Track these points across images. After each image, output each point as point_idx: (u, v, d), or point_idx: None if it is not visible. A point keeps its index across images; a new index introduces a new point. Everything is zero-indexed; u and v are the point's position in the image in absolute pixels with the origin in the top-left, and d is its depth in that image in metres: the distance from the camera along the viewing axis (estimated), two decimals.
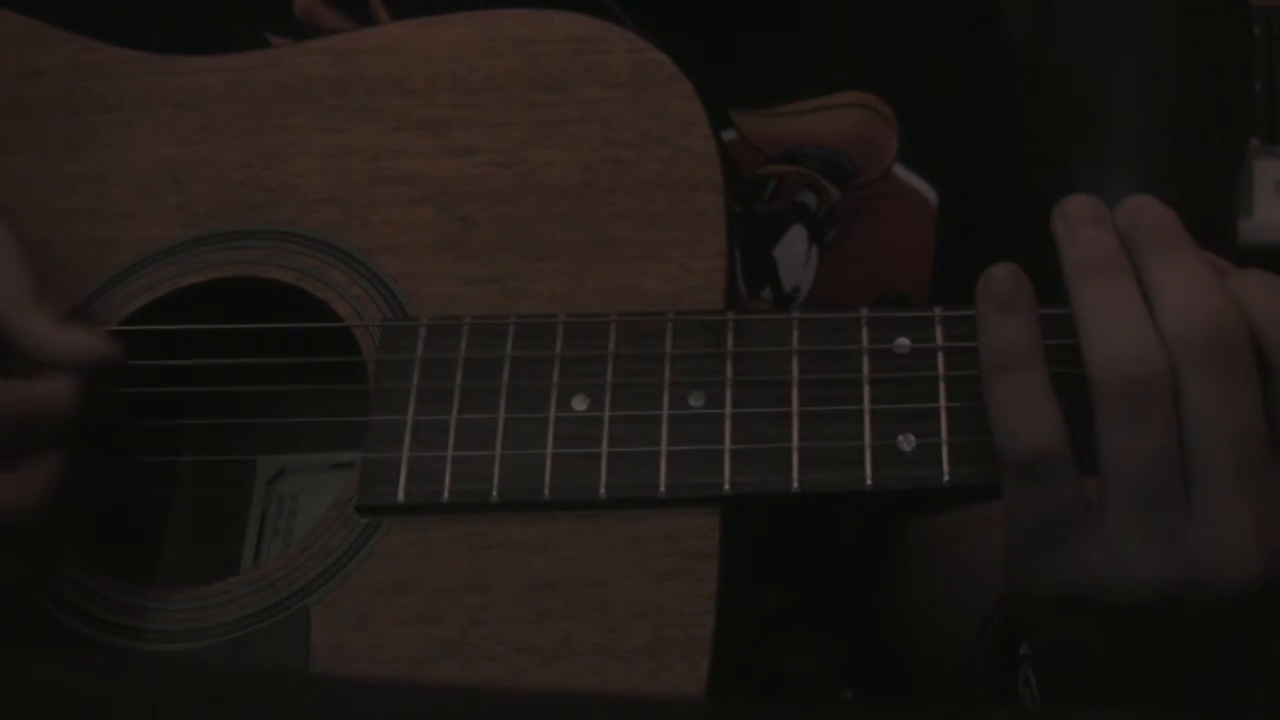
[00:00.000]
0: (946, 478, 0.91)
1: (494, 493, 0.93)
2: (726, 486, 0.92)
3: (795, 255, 1.21)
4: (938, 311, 0.94)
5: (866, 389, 0.92)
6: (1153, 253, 0.87)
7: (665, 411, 0.93)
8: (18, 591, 0.96)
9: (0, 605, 0.96)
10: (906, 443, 0.91)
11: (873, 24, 1.26)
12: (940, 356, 0.93)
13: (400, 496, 0.94)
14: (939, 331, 0.93)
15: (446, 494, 0.93)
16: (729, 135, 1.18)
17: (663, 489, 0.92)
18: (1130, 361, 0.85)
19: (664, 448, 0.93)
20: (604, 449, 0.93)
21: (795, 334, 0.94)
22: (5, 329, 0.95)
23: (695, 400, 0.94)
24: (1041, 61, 1.52)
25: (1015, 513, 0.88)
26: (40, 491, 0.93)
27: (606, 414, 0.94)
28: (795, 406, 0.93)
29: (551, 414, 0.94)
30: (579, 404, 0.94)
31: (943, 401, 0.91)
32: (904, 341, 0.93)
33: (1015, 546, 0.89)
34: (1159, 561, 0.85)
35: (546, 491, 0.93)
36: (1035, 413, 0.86)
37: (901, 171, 1.24)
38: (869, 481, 0.91)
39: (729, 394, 0.93)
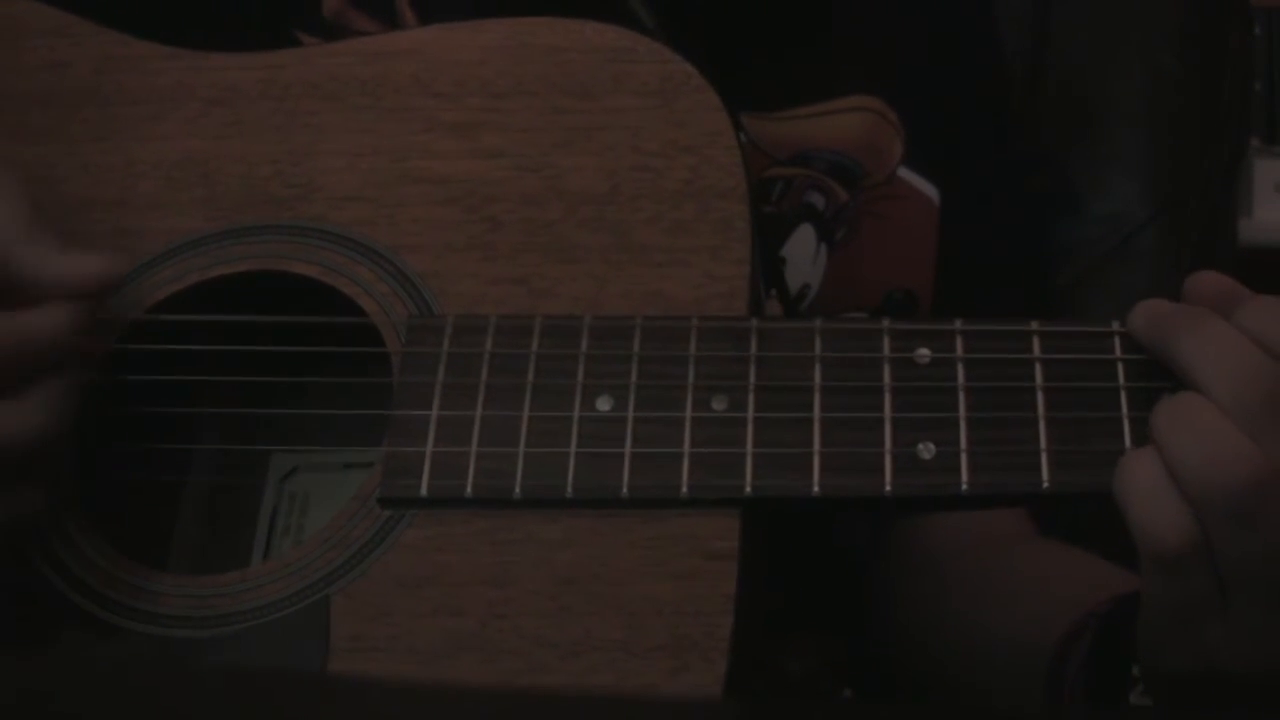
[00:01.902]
0: (965, 487, 0.92)
1: (517, 490, 0.94)
2: (748, 489, 0.93)
3: (804, 254, 1.22)
4: (958, 324, 0.95)
5: (887, 397, 0.94)
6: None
7: (688, 414, 0.94)
8: (18, 528, 0.96)
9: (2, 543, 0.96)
10: (926, 451, 0.93)
11: (877, 30, 1.27)
12: (960, 367, 0.94)
13: (423, 490, 0.95)
14: (959, 342, 0.94)
15: (470, 489, 0.95)
16: None
17: (684, 490, 0.93)
18: (1165, 535, 0.88)
19: (686, 449, 0.94)
20: (627, 449, 0.94)
21: (818, 341, 0.95)
22: (3, 256, 0.94)
23: (718, 403, 0.95)
24: (1041, 61, 1.52)
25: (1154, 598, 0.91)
26: (45, 415, 0.93)
27: (630, 414, 0.95)
28: (817, 412, 0.94)
29: (576, 413, 0.95)
30: (603, 404, 0.95)
31: (962, 411, 0.93)
32: (925, 352, 0.95)
33: (1154, 630, 0.92)
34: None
35: (569, 490, 0.94)
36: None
37: (906, 174, 1.25)
38: (888, 488, 0.92)
39: (751, 398, 0.94)
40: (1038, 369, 0.93)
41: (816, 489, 0.93)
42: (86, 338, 0.96)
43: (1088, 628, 1.02)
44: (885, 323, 0.96)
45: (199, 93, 1.07)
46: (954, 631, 1.19)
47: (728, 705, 0.88)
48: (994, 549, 1.21)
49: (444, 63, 1.05)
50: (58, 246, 0.95)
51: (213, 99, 1.07)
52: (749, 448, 0.94)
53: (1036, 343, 0.94)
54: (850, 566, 1.28)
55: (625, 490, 0.94)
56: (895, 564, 1.26)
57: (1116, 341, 0.93)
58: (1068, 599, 1.06)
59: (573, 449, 0.95)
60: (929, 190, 1.26)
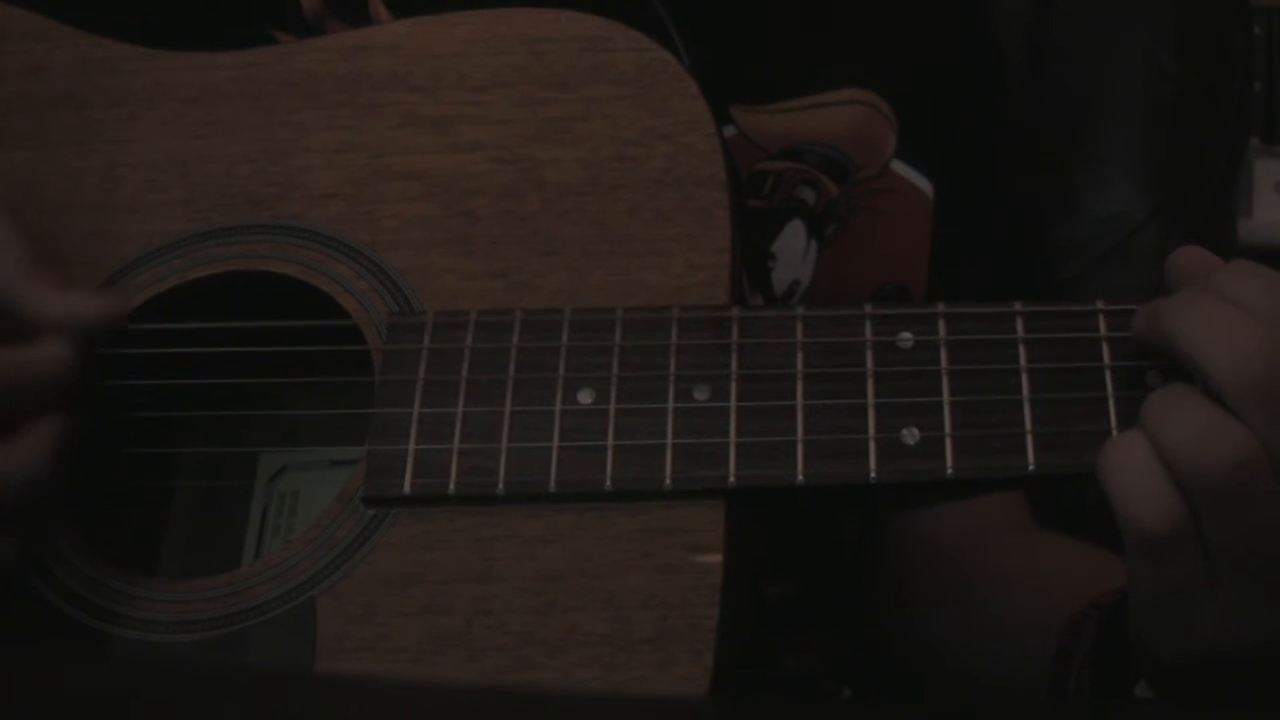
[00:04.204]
0: (950, 471, 0.91)
1: (500, 485, 0.94)
2: (731, 479, 0.92)
3: (794, 250, 1.22)
4: (940, 307, 0.95)
5: (870, 383, 0.93)
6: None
7: (670, 404, 0.94)
8: (12, 562, 0.96)
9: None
10: (910, 436, 0.92)
11: (871, 22, 1.27)
12: (943, 351, 0.93)
13: (406, 488, 0.94)
14: (942, 326, 0.94)
15: (453, 486, 0.94)
16: (729, 131, 1.19)
17: (668, 481, 0.93)
18: (1149, 518, 0.87)
19: (669, 440, 0.93)
20: (609, 441, 0.94)
21: (799, 328, 0.95)
22: (5, 296, 0.95)
23: (700, 393, 0.94)
24: (1041, 61, 1.52)
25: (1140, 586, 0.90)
26: (39, 458, 0.94)
27: (612, 407, 0.94)
28: (800, 399, 0.93)
29: (557, 407, 0.95)
30: (585, 397, 0.95)
31: (946, 395, 0.92)
32: (907, 336, 0.94)
33: (1143, 616, 0.91)
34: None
35: (552, 484, 0.93)
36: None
37: (900, 167, 1.24)
38: (873, 474, 0.92)
39: (734, 387, 0.94)
40: (1021, 350, 0.92)
41: (801, 477, 0.92)
42: (84, 378, 0.96)
43: (1090, 619, 1.01)
44: (867, 308, 0.95)
45: (176, 93, 1.07)
46: (954, 624, 1.19)
47: (715, 703, 0.88)
48: (993, 540, 1.20)
49: (420, 56, 1.05)
50: (59, 285, 0.96)
51: (190, 99, 1.07)
52: (732, 437, 0.93)
53: (1020, 324, 0.93)
54: (849, 562, 1.27)
55: (608, 483, 0.93)
56: (894, 558, 1.25)
57: (1100, 320, 0.93)
58: (1068, 589, 1.05)
59: (555, 443, 0.94)
60: (922, 184, 1.25)
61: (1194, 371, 0.87)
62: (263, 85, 1.06)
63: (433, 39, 1.06)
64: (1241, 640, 0.87)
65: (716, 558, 0.92)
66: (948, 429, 0.92)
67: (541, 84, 1.03)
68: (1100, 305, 0.93)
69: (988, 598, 1.17)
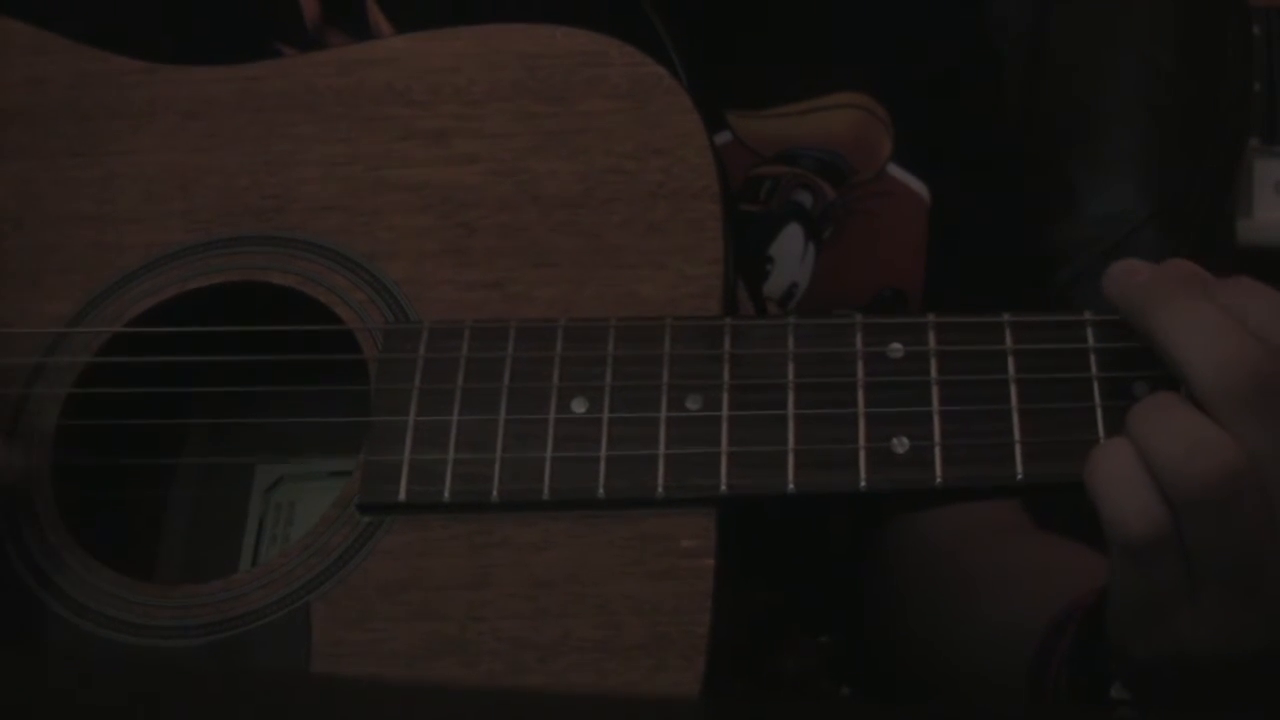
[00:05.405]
0: (939, 480, 0.92)
1: (494, 493, 0.94)
2: (723, 488, 0.93)
3: (791, 253, 1.22)
4: (930, 317, 0.95)
5: (861, 393, 0.94)
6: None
7: (663, 414, 0.95)
8: None
9: None
10: (900, 445, 0.93)
11: (867, 26, 1.27)
12: (933, 361, 0.94)
13: (402, 496, 0.95)
14: (931, 336, 0.94)
15: (448, 494, 0.95)
16: (725, 136, 1.20)
17: (660, 490, 0.93)
18: (1134, 524, 0.87)
19: (662, 450, 0.94)
20: (603, 451, 0.94)
21: (790, 338, 0.96)
22: None
23: (693, 403, 0.95)
24: (1041, 61, 1.53)
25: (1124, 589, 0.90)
26: None
27: (605, 416, 0.95)
28: (791, 409, 0.94)
29: (551, 416, 0.95)
30: (578, 406, 0.95)
31: (935, 405, 0.93)
32: (897, 346, 0.95)
33: (1122, 618, 0.92)
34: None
35: (546, 492, 0.94)
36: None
37: (896, 171, 1.25)
38: (863, 483, 0.92)
39: (726, 397, 0.95)
40: (1010, 360, 0.93)
41: (791, 486, 0.93)
42: None
43: (1073, 619, 1.02)
44: (858, 318, 0.96)
45: (176, 105, 1.08)
46: (951, 624, 1.19)
47: (719, 705, 0.88)
48: (990, 541, 1.21)
49: (418, 70, 1.06)
50: None
51: (189, 111, 1.07)
52: (724, 447, 0.94)
53: (1009, 334, 0.94)
54: (846, 563, 1.28)
55: (601, 491, 0.94)
56: (892, 559, 1.26)
57: (1089, 331, 0.93)
58: (1063, 589, 1.06)
59: (549, 452, 0.95)
60: (918, 187, 1.26)
61: (1175, 372, 0.88)
62: (262, 99, 1.07)
63: (430, 53, 1.07)
64: (1217, 645, 0.88)
65: (708, 564, 0.93)
66: (937, 438, 0.92)
67: (537, 98, 1.04)
68: (1088, 316, 0.94)
69: (983, 598, 1.17)
